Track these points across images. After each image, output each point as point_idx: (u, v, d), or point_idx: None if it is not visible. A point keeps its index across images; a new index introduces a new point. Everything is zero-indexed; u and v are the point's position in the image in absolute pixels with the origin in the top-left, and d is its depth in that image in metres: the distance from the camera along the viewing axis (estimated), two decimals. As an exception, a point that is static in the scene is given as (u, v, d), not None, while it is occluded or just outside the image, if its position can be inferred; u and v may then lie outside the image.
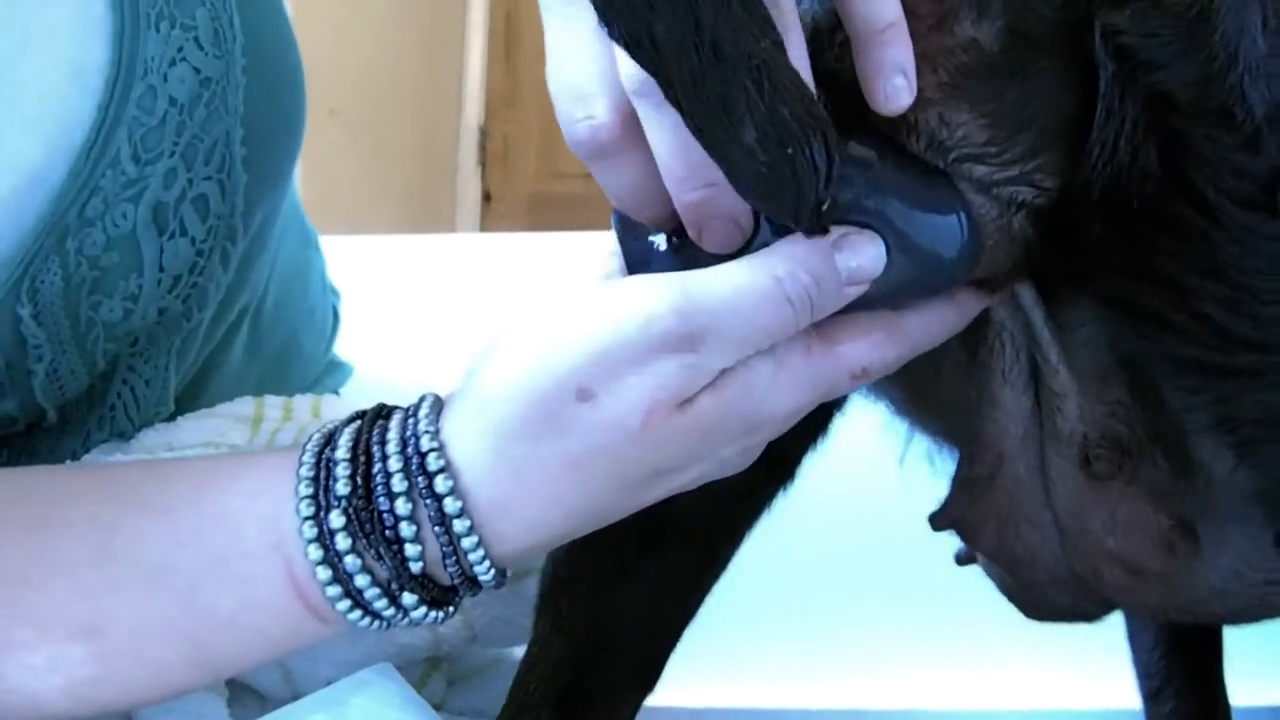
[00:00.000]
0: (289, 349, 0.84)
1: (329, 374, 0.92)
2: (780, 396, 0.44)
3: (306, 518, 0.44)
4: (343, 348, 0.95)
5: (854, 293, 0.43)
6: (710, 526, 0.65)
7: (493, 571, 0.45)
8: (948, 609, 1.04)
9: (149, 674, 0.45)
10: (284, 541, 0.44)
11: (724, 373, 0.42)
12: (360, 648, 0.65)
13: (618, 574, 0.63)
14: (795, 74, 0.38)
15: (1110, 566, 0.57)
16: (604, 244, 0.47)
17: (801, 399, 0.45)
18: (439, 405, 0.45)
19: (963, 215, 0.46)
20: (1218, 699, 0.92)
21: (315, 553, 0.44)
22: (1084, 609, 0.63)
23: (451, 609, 0.46)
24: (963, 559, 0.68)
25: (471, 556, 0.44)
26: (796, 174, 0.37)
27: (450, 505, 0.43)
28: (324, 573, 0.44)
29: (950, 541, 0.65)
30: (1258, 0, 0.45)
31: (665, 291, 0.41)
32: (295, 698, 0.59)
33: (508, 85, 3.45)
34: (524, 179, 3.46)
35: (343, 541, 0.43)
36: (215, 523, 0.45)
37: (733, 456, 0.45)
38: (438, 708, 0.72)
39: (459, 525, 0.43)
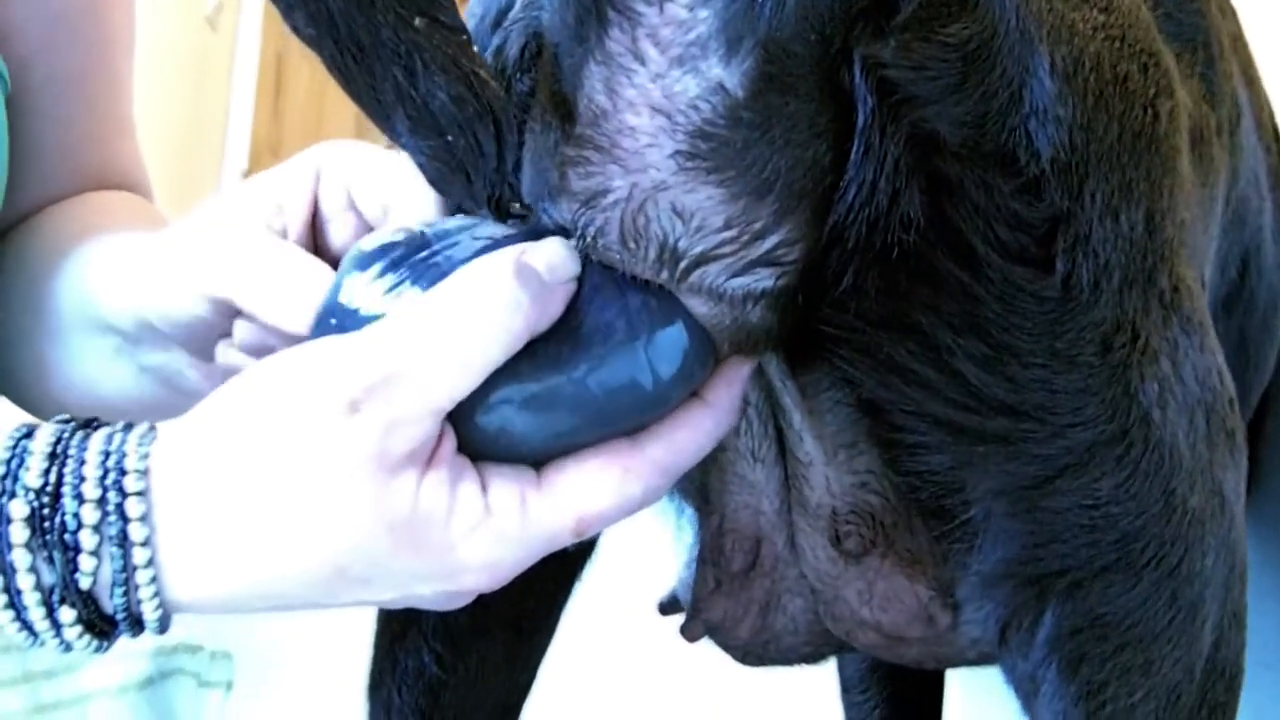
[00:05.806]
0: None
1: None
2: (480, 545, 0.41)
3: None
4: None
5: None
6: (522, 613, 0.58)
7: (160, 612, 0.42)
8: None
9: None
10: None
11: (427, 480, 0.40)
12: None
13: (440, 668, 0.57)
14: (455, 55, 0.36)
15: (867, 632, 0.53)
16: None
17: (508, 553, 0.41)
18: (154, 432, 0.43)
19: (685, 330, 0.41)
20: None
21: None
22: (819, 656, 0.59)
23: (107, 644, 0.43)
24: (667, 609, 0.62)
25: (143, 591, 0.41)
26: (461, 161, 0.36)
27: (136, 531, 0.41)
28: None
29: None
30: (1043, 41, 0.39)
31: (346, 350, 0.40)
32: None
33: (273, 131, 3.11)
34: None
35: (17, 534, 0.40)
36: None
37: (432, 596, 0.43)
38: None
39: (140, 555, 0.41)
